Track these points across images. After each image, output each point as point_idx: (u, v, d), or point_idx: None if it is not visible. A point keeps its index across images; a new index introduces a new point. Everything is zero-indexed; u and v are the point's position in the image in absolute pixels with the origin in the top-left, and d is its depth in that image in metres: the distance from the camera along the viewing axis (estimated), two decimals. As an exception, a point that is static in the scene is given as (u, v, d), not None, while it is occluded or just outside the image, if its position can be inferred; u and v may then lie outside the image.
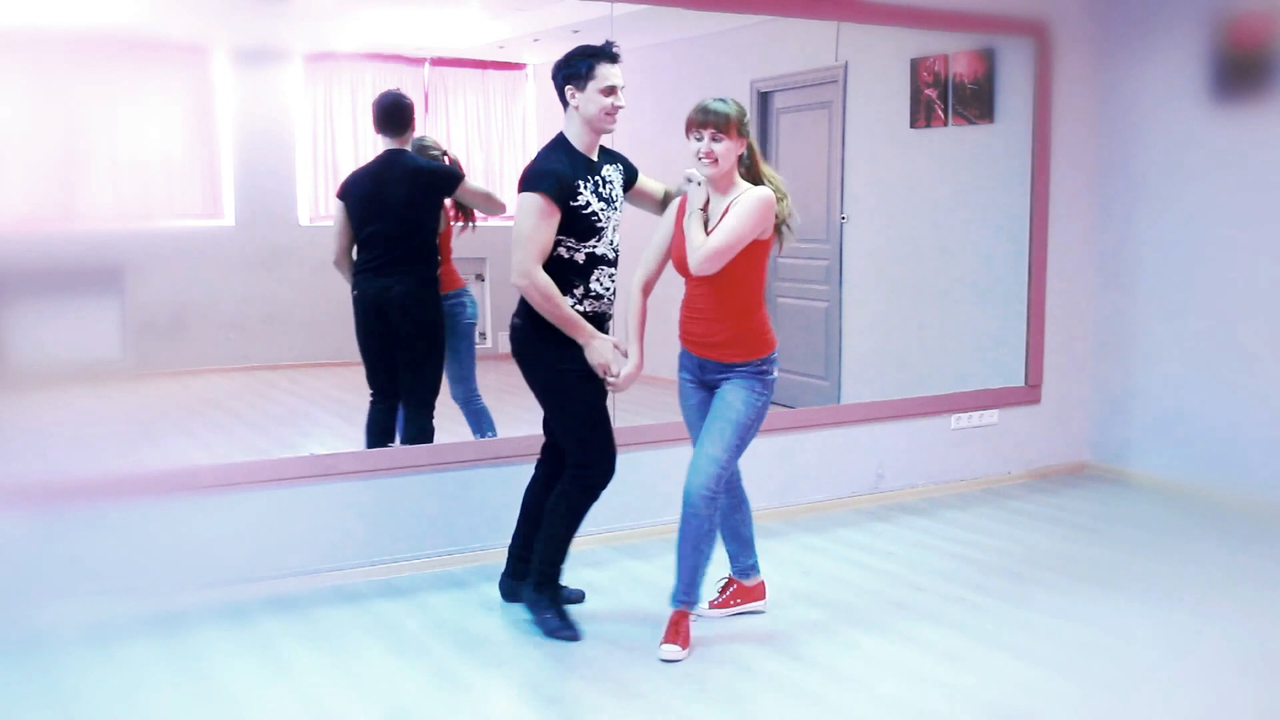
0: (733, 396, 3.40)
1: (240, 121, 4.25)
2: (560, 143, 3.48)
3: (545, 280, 3.35)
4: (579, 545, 4.32)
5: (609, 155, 3.60)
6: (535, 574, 3.62)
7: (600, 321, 3.53)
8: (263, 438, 4.34)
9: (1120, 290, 5.54)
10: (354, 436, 4.26)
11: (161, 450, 4.04)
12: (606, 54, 3.40)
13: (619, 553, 4.39)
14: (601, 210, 3.45)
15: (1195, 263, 5.20)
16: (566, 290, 3.43)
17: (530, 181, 3.36)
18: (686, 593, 3.46)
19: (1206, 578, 4.15)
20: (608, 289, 3.53)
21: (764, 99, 5.26)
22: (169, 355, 4.15)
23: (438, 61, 4.67)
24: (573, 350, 3.45)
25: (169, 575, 3.81)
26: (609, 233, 3.50)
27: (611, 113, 3.41)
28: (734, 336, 3.39)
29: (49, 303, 3.79)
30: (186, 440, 4.17)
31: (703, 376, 3.49)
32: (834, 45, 5.01)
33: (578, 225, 3.41)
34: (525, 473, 4.30)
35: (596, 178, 3.46)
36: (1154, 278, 5.38)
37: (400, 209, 4.18)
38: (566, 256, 3.43)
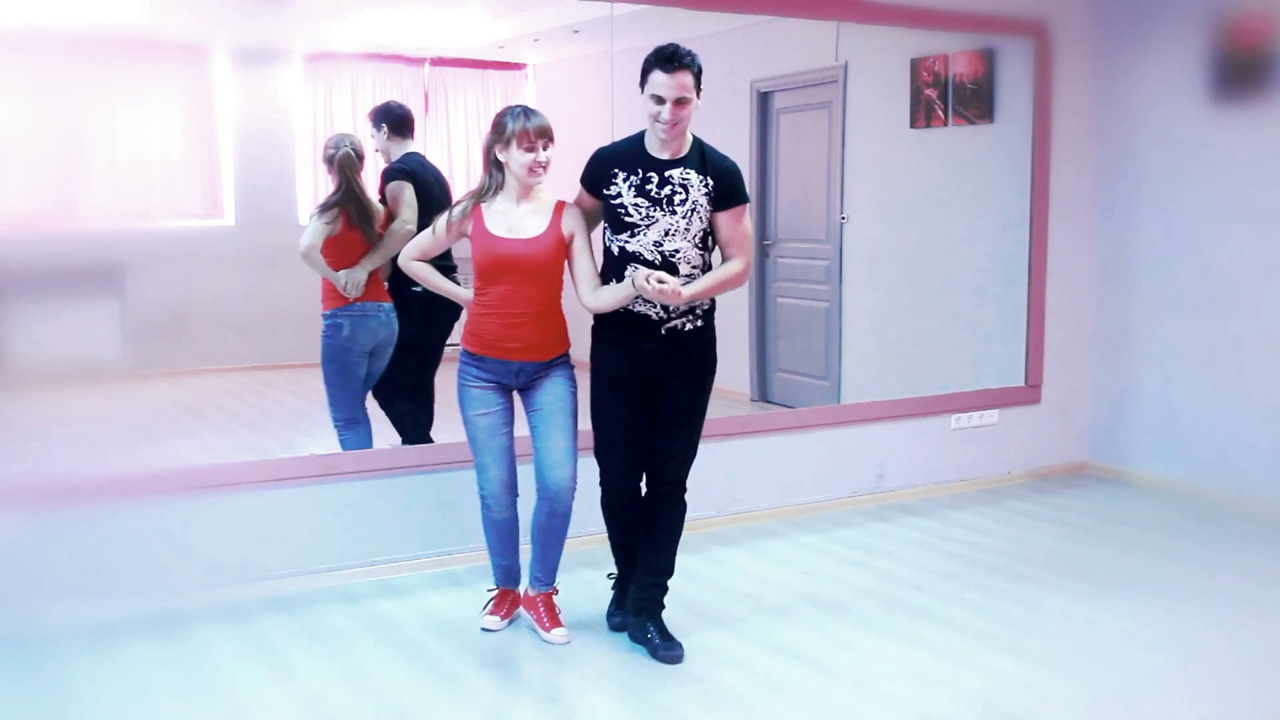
0: (561, 390, 3.49)
1: (240, 121, 4.25)
2: (640, 134, 3.41)
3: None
4: (579, 546, 4.33)
5: (700, 162, 3.35)
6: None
7: (640, 320, 3.37)
8: (263, 438, 4.34)
9: (1120, 290, 5.54)
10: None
11: (161, 450, 4.04)
12: (659, 60, 3.23)
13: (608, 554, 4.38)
14: (637, 206, 3.32)
15: (1195, 262, 5.20)
16: (605, 282, 3.44)
17: None
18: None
19: (1206, 578, 4.15)
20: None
21: (764, 99, 5.26)
22: (169, 355, 4.15)
23: (438, 61, 4.67)
24: (599, 357, 3.51)
25: (169, 575, 3.81)
26: (647, 232, 3.32)
27: (658, 119, 3.24)
28: (556, 335, 3.49)
29: (49, 303, 3.79)
30: (186, 440, 4.17)
31: (514, 381, 3.49)
32: (834, 45, 5.01)
33: (609, 214, 3.40)
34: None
35: (650, 174, 3.32)
36: (1154, 278, 5.38)
37: None
38: (608, 245, 3.44)
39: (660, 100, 3.23)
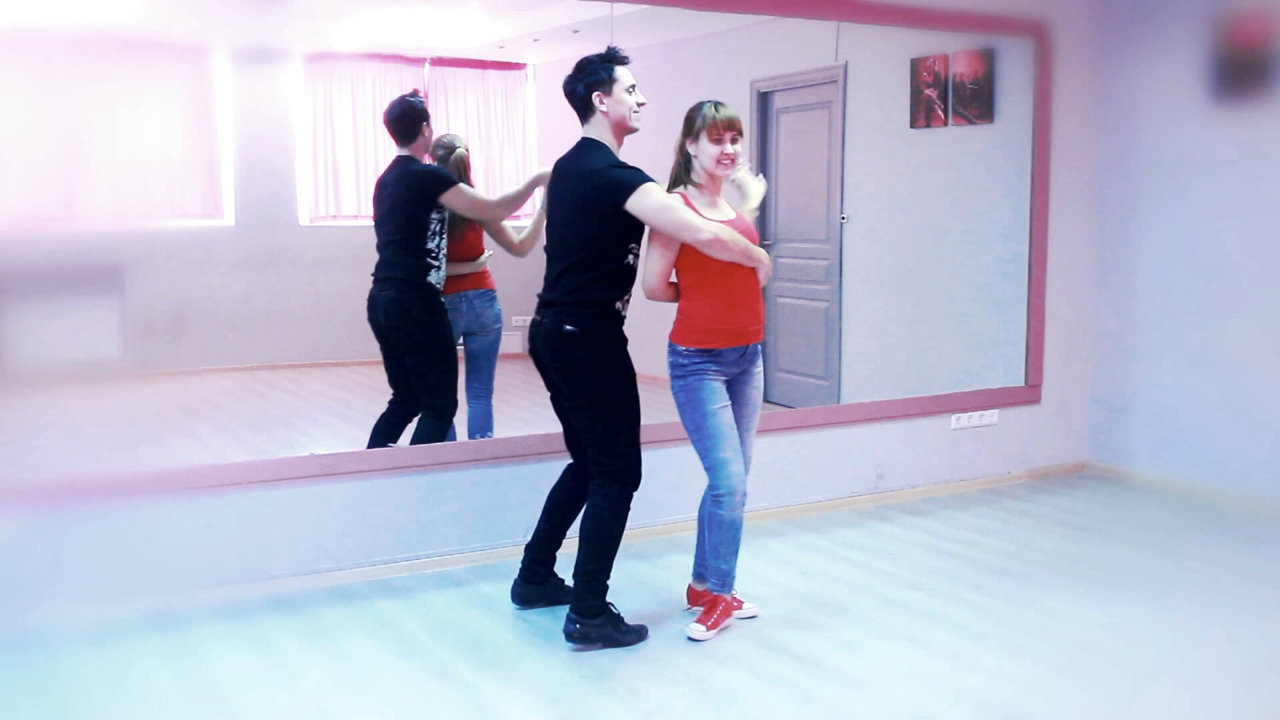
0: (759, 385, 3.67)
1: (240, 121, 4.25)
2: (607, 150, 3.44)
3: (716, 226, 3.37)
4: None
5: None
6: (593, 594, 3.49)
7: None
8: (263, 438, 4.34)
9: (1120, 290, 5.54)
10: (354, 436, 4.26)
11: (161, 450, 4.04)
12: (619, 58, 3.46)
13: (619, 553, 4.38)
14: None
15: (1195, 263, 5.20)
16: (621, 294, 3.43)
17: (639, 174, 3.35)
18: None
19: (1206, 578, 4.15)
20: None
21: (764, 99, 5.26)
22: (169, 355, 4.15)
23: (438, 61, 4.67)
24: (624, 358, 3.48)
25: (169, 575, 3.81)
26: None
27: (637, 111, 3.47)
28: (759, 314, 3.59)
29: (49, 303, 3.79)
30: (186, 440, 4.17)
31: (736, 368, 3.56)
32: (834, 45, 5.01)
33: (633, 228, 3.40)
34: (525, 473, 4.31)
35: None
36: (1154, 278, 5.38)
37: (392, 214, 4.20)
38: (625, 259, 3.42)
39: (633, 88, 3.44)
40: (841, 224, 5.15)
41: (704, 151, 3.41)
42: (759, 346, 3.60)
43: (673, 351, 3.51)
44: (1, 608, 3.57)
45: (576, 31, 4.66)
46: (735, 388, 3.59)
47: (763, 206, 5.35)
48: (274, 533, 3.97)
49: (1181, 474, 5.30)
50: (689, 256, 3.44)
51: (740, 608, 3.71)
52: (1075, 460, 5.75)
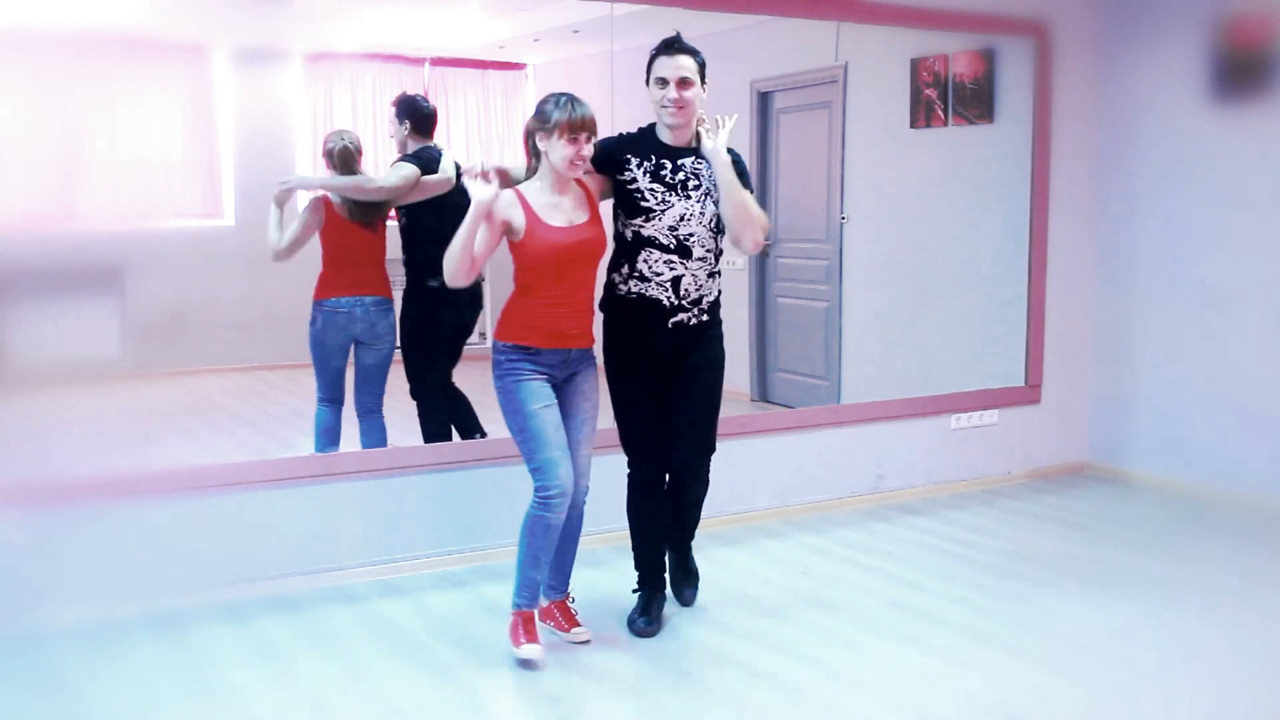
0: (595, 393, 3.49)
1: (240, 121, 4.25)
2: (649, 126, 3.54)
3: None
4: (581, 546, 4.32)
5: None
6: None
7: (651, 306, 3.46)
8: (263, 438, 4.34)
9: (1120, 290, 5.54)
10: (354, 436, 4.26)
11: (161, 450, 4.04)
12: (660, 46, 3.44)
13: (618, 553, 4.38)
14: (653, 191, 3.43)
15: (1195, 263, 5.20)
16: (616, 267, 3.52)
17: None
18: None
19: (1207, 578, 4.15)
20: (658, 274, 3.45)
21: (764, 99, 5.26)
22: (169, 355, 4.15)
23: (438, 61, 4.67)
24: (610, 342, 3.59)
25: (169, 575, 3.81)
26: (663, 217, 3.43)
27: (666, 105, 3.41)
28: (593, 320, 3.48)
29: (49, 303, 3.79)
30: (186, 440, 4.17)
31: (558, 372, 3.40)
32: (834, 45, 5.01)
33: (625, 200, 3.47)
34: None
35: (664, 161, 3.45)
36: (1154, 278, 5.38)
37: None
38: (621, 230, 3.50)
39: (664, 82, 3.40)
40: (841, 224, 5.15)
41: (555, 150, 3.25)
42: (587, 354, 3.45)
43: (494, 349, 3.36)
44: (2, 608, 3.57)
45: (576, 31, 4.66)
46: (564, 389, 3.42)
47: (763, 207, 5.36)
48: (274, 533, 3.97)
49: (1181, 474, 5.30)
50: (525, 254, 3.29)
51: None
52: (1075, 460, 5.75)
